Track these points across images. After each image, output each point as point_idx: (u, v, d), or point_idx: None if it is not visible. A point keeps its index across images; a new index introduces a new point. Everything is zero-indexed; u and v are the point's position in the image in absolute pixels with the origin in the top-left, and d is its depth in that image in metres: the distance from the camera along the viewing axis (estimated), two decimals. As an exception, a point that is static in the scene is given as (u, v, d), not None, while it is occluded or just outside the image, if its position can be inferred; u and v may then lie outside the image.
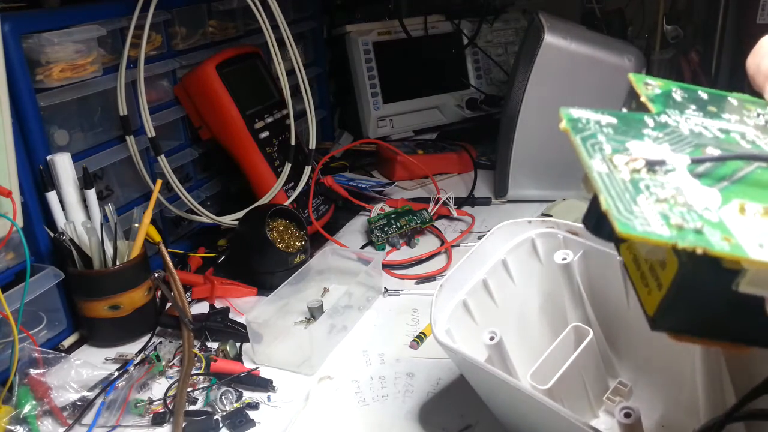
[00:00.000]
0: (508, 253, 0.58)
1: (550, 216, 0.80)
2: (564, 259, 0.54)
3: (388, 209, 0.96)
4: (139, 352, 0.69)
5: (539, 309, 0.59)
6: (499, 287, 0.58)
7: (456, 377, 0.63)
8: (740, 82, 1.22)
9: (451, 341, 0.51)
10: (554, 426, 0.44)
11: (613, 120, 0.30)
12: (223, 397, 0.60)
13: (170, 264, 0.75)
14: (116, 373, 0.64)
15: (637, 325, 0.54)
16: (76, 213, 0.70)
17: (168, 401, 0.61)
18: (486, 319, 0.57)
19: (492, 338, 0.50)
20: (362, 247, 0.92)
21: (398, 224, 0.91)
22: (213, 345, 0.70)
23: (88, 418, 0.59)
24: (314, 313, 0.73)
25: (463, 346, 0.50)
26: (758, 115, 0.33)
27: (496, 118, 1.25)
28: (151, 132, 0.81)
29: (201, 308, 0.78)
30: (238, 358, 0.67)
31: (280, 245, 0.81)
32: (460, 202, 1.02)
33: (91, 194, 0.71)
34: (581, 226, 0.53)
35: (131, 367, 0.65)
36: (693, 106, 0.33)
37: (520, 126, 0.97)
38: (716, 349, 0.46)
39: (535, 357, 0.51)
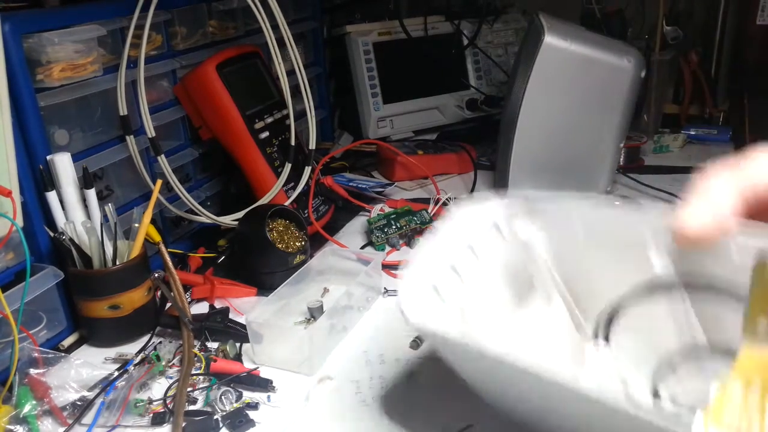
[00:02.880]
0: (471, 233, 0.57)
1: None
2: (526, 233, 0.53)
3: (388, 210, 0.96)
4: (139, 352, 0.69)
5: (507, 284, 0.58)
6: (465, 267, 0.56)
7: (456, 377, 0.63)
8: (739, 83, 1.22)
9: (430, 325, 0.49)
10: (547, 395, 0.44)
11: None
12: (223, 397, 0.60)
13: (170, 264, 0.75)
14: (116, 373, 0.64)
15: (607, 289, 0.53)
16: (76, 213, 0.70)
17: (168, 401, 0.61)
18: (456, 300, 0.55)
19: (462, 317, 0.49)
20: (362, 248, 0.92)
21: (398, 225, 0.91)
22: (213, 345, 0.70)
23: (88, 418, 0.59)
24: (314, 313, 0.73)
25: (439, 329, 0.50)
26: None
27: (496, 118, 1.25)
28: (151, 132, 0.81)
29: (201, 308, 0.78)
30: (238, 358, 0.67)
31: (280, 245, 0.81)
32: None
33: (91, 194, 0.71)
34: (542, 194, 0.52)
35: (131, 367, 0.65)
36: None
37: (520, 126, 0.97)
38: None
39: (506, 333, 0.51)
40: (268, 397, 0.61)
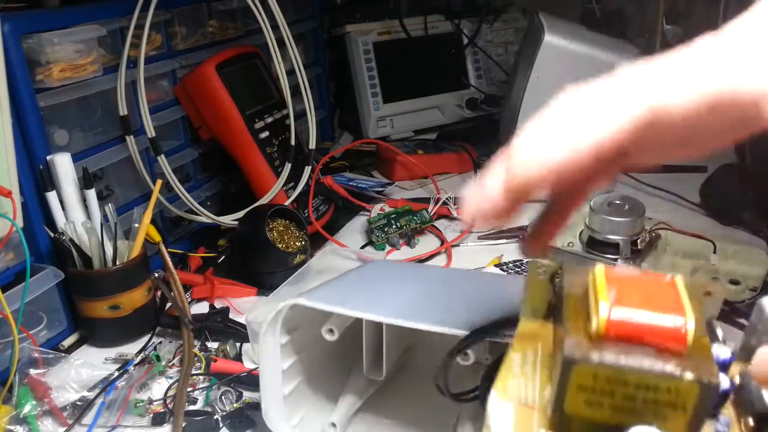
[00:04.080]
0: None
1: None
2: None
3: (388, 209, 0.96)
4: (139, 352, 0.69)
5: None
6: None
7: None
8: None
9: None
10: None
11: None
12: (223, 397, 0.60)
13: (170, 264, 0.75)
14: (116, 373, 0.64)
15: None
16: (76, 213, 0.70)
17: (168, 401, 0.61)
18: None
19: None
20: (362, 247, 0.92)
21: (398, 224, 0.91)
22: (213, 345, 0.70)
23: (88, 418, 0.59)
24: (314, 313, 0.73)
25: None
26: None
27: (496, 118, 1.26)
28: (151, 132, 0.81)
29: (201, 308, 0.78)
30: (238, 358, 0.67)
31: (280, 245, 0.81)
32: (460, 202, 1.02)
33: (91, 194, 0.71)
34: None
35: (131, 367, 0.65)
36: None
37: (521, 125, 0.97)
38: None
39: None
40: (269, 397, 0.61)
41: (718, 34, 0.29)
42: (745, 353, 0.31)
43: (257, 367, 0.65)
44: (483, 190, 0.32)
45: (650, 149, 0.30)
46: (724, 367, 0.30)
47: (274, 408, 0.52)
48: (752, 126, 0.29)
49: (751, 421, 0.29)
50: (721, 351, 0.30)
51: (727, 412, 0.30)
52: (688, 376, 0.24)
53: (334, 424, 0.52)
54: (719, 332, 0.32)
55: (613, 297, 0.27)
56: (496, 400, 0.29)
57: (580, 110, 0.30)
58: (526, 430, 0.28)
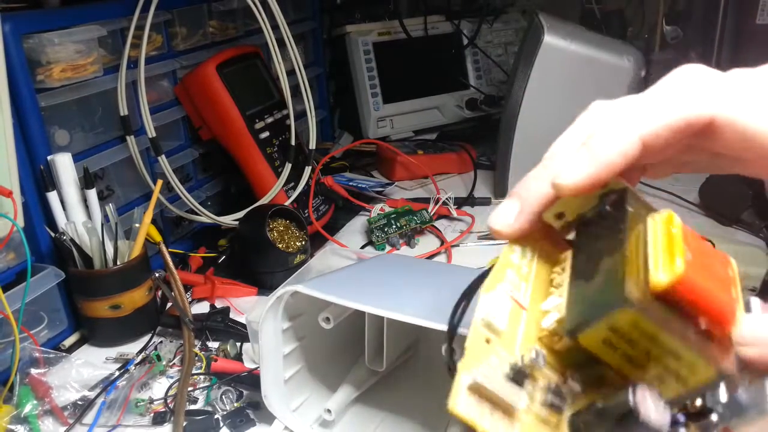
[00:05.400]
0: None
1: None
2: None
3: (388, 209, 0.96)
4: (140, 351, 0.69)
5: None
6: None
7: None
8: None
9: None
10: None
11: None
12: (223, 396, 0.61)
13: (171, 264, 0.75)
14: (117, 373, 0.64)
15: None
16: (76, 213, 0.70)
17: (169, 401, 0.61)
18: None
19: None
20: (362, 247, 0.92)
21: (398, 224, 0.91)
22: (213, 345, 0.70)
23: (88, 418, 0.59)
24: (314, 312, 0.73)
25: None
26: None
27: (496, 118, 1.26)
28: (151, 132, 0.81)
29: (201, 308, 0.78)
30: (239, 357, 0.67)
31: (280, 245, 0.81)
32: (460, 202, 1.02)
33: (92, 194, 0.71)
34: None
35: (132, 367, 0.65)
36: None
37: (520, 126, 0.97)
38: None
39: None
40: (269, 396, 0.62)
41: None
42: None
43: (257, 367, 0.65)
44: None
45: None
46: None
47: (273, 391, 0.53)
48: None
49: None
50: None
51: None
52: (719, 365, 0.23)
53: (329, 410, 0.54)
54: None
55: (689, 256, 0.25)
56: (493, 287, 0.28)
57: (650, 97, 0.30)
58: (515, 327, 0.27)
